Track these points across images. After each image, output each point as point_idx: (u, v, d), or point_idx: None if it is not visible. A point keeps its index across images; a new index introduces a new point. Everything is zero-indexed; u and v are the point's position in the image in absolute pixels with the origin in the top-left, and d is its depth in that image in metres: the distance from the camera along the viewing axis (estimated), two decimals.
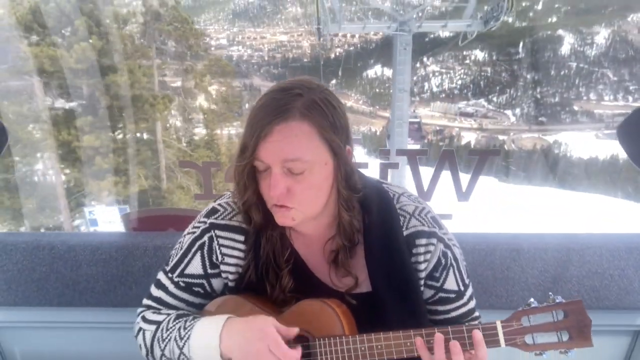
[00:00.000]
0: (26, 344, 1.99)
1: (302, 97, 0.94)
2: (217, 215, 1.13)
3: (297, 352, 0.97)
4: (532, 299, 0.96)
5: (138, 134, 10.06)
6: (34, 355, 2.01)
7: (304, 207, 1.00)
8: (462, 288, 1.13)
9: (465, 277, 1.14)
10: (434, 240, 1.08)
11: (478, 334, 0.94)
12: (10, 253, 1.84)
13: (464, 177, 2.03)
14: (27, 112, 9.30)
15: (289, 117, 0.92)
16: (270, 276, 1.09)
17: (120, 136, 9.77)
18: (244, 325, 0.99)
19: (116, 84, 9.01)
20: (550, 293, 0.96)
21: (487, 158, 1.96)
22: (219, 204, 1.16)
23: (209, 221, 1.13)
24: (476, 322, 1.15)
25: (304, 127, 0.93)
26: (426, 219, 1.10)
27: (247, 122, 0.96)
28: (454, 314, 1.13)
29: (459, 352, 0.94)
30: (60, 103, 9.80)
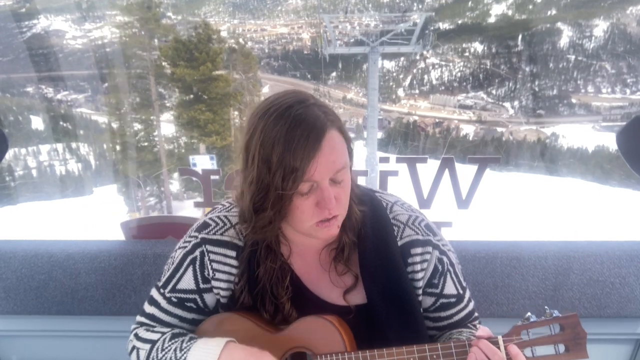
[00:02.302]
0: (24, 353, 1.98)
1: (316, 106, 0.93)
2: (208, 229, 1.12)
3: None
4: (529, 313, 0.98)
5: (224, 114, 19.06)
6: None
7: (344, 210, 1.00)
8: (461, 291, 1.13)
9: (462, 280, 1.15)
10: (429, 248, 1.08)
11: (514, 348, 0.95)
12: (9, 261, 1.82)
13: (463, 181, 2.01)
14: (143, 101, 19.23)
15: (327, 128, 0.91)
16: (267, 305, 1.08)
17: (215, 113, 18.71)
18: (245, 355, 0.97)
19: (219, 87, 18.42)
20: (546, 307, 0.99)
21: (487, 165, 1.95)
22: (210, 218, 1.14)
23: (200, 236, 1.11)
24: (476, 322, 1.18)
25: (336, 134, 0.93)
26: (420, 227, 1.10)
27: (284, 147, 0.88)
28: (456, 317, 1.14)
29: None
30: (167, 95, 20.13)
